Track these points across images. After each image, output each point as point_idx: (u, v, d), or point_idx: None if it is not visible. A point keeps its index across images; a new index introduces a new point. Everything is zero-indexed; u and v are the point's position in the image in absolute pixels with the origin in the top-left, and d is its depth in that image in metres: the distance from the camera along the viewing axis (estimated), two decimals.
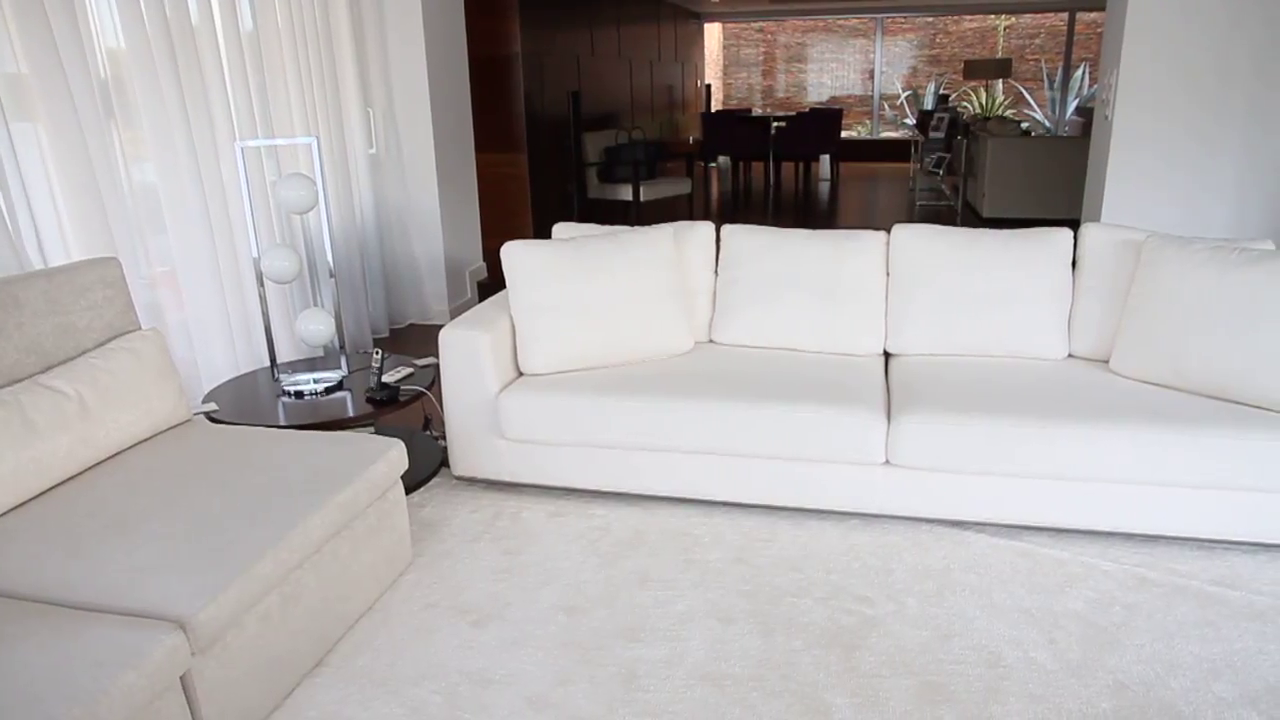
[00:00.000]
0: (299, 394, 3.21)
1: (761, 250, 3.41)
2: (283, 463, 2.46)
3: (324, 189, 3.35)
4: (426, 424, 3.77)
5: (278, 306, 4.31)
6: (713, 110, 13.55)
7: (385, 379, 3.27)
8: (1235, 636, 2.36)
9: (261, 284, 3.42)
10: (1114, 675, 2.22)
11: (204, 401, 3.17)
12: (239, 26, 4.00)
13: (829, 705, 2.13)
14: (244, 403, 3.16)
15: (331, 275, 3.50)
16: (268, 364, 3.83)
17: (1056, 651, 2.32)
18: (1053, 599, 2.55)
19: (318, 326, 3.45)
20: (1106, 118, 4.87)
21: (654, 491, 3.09)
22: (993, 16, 14.74)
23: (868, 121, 15.58)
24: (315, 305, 4.60)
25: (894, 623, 2.45)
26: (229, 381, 3.40)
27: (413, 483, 3.25)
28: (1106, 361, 3.19)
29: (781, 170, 12.47)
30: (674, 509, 3.11)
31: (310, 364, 3.56)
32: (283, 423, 2.97)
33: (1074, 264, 3.27)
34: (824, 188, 11.60)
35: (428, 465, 3.38)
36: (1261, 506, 2.66)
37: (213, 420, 2.98)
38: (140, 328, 2.77)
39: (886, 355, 3.41)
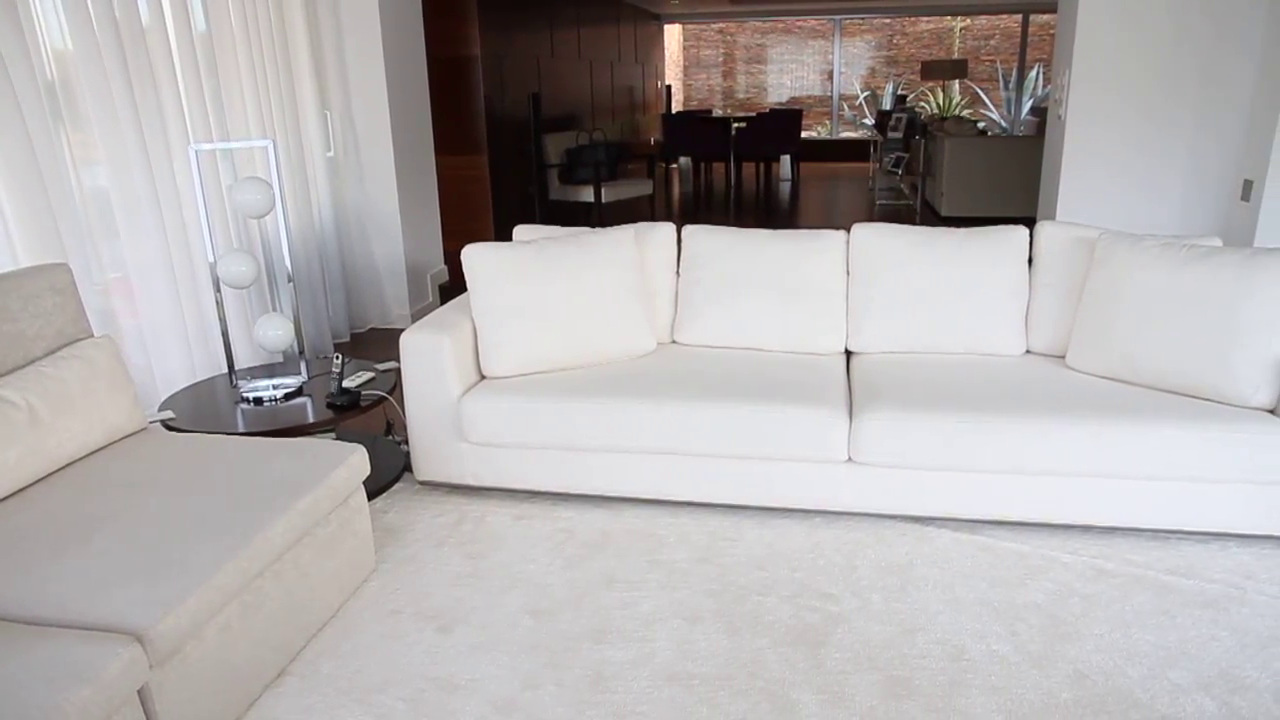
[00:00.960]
0: (258, 400, 3.16)
1: (723, 250, 3.42)
2: (242, 470, 2.43)
3: (281, 192, 3.31)
4: (388, 429, 3.73)
5: (235, 312, 4.25)
6: (673, 111, 13.59)
7: (346, 384, 3.23)
8: (1189, 624, 2.41)
9: (218, 289, 3.37)
10: (1074, 665, 2.26)
11: (160, 409, 3.11)
12: (191, 28, 3.94)
13: (796, 703, 2.14)
14: (201, 410, 3.11)
15: (290, 280, 3.46)
16: (225, 370, 3.78)
17: (1018, 643, 2.35)
18: (1014, 592, 2.58)
19: (276, 332, 3.41)
20: (1060, 117, 4.95)
21: (619, 493, 3.08)
22: (949, 18, 14.93)
23: (827, 122, 15.71)
24: (274, 310, 4.54)
25: (859, 619, 2.47)
26: (186, 389, 3.35)
27: (375, 488, 3.22)
28: (1063, 357, 3.24)
29: (742, 170, 12.54)
30: (639, 510, 3.11)
31: (269, 370, 3.52)
32: (241, 430, 2.92)
33: (1030, 261, 3.32)
34: (784, 188, 11.68)
35: (390, 470, 3.35)
36: (1212, 497, 2.72)
37: (169, 428, 2.93)
38: (92, 335, 2.72)
39: (848, 353, 3.43)
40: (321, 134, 4.93)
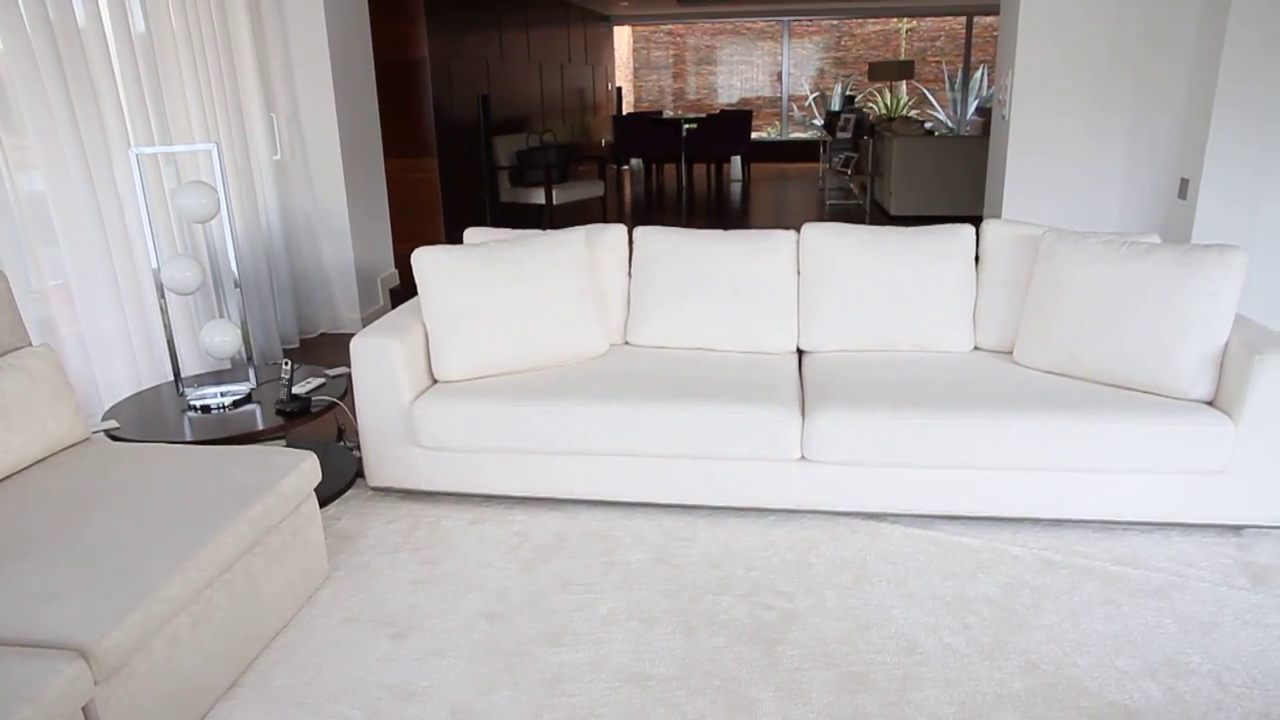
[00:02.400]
0: (205, 408, 3.10)
1: (674, 251, 3.43)
2: (189, 479, 2.38)
3: (226, 197, 3.25)
4: (340, 435, 3.69)
5: (181, 318, 4.16)
6: (624, 113, 13.60)
7: (296, 390, 3.18)
8: (1135, 613, 2.47)
9: (162, 296, 3.30)
10: (1025, 656, 2.30)
11: (104, 419, 3.04)
12: (130, 28, 3.85)
13: (753, 700, 2.15)
14: (147, 419, 3.05)
15: (237, 285, 3.40)
16: (171, 378, 3.70)
17: (970, 636, 2.39)
18: (966, 585, 2.62)
19: (223, 338, 3.35)
20: (1004, 118, 5.04)
21: (574, 495, 3.08)
22: (895, 20, 15.13)
23: (777, 123, 15.83)
24: (220, 316, 4.45)
25: (814, 616, 2.49)
26: (130, 397, 3.27)
27: (327, 495, 3.18)
28: (1010, 353, 3.30)
29: (693, 171, 12.59)
30: (594, 511, 3.11)
31: (217, 377, 3.45)
32: (189, 438, 2.87)
33: (977, 259, 3.38)
34: (735, 188, 11.75)
35: (342, 477, 3.31)
36: (1155, 488, 2.79)
37: (114, 438, 2.86)
38: (31, 344, 2.65)
39: (799, 352, 3.46)
40: (267, 137, 4.85)
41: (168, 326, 3.32)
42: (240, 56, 4.65)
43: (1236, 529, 2.90)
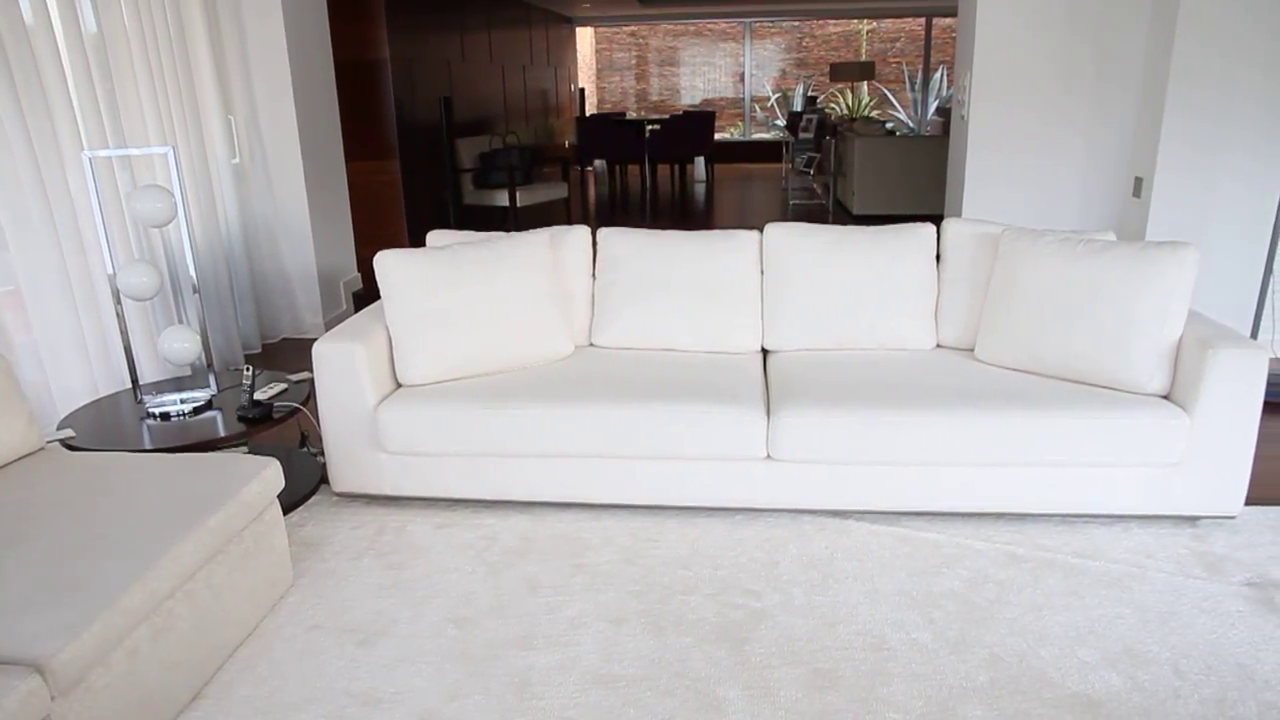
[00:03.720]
0: (165, 416, 3.06)
1: (638, 252, 3.43)
2: (149, 488, 2.34)
3: (183, 200, 3.20)
4: (303, 441, 3.64)
5: (138, 325, 4.09)
6: (587, 114, 13.58)
7: (258, 396, 3.14)
8: (1096, 604, 2.51)
9: (119, 302, 3.24)
10: (990, 649, 2.33)
11: (59, 428, 2.98)
12: (80, 28, 3.77)
13: (722, 699, 2.16)
14: (105, 427, 2.99)
15: (195, 290, 3.34)
16: (129, 385, 3.64)
17: (936, 631, 2.41)
18: (931, 580, 2.65)
19: (182, 344, 3.29)
20: (963, 117, 5.10)
21: (541, 498, 3.07)
22: (855, 21, 15.26)
23: (740, 123, 15.90)
24: (179, 322, 4.39)
25: (781, 614, 2.50)
26: (87, 406, 3.21)
27: (291, 502, 3.14)
28: (972, 350, 3.34)
29: (657, 172, 12.61)
30: (562, 514, 3.10)
31: (177, 384, 3.40)
32: (148, 446, 2.82)
33: (938, 258, 3.42)
34: (699, 189, 11.78)
35: (306, 483, 3.27)
36: (1113, 481, 2.84)
37: (70, 448, 2.81)
38: None
39: (764, 352, 3.48)
40: (226, 139, 4.79)
41: (125, 333, 3.26)
42: (196, 58, 4.58)
43: (1192, 520, 2.96)
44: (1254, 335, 4.08)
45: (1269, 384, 4.00)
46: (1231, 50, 4.22)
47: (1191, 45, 4.21)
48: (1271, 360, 4.56)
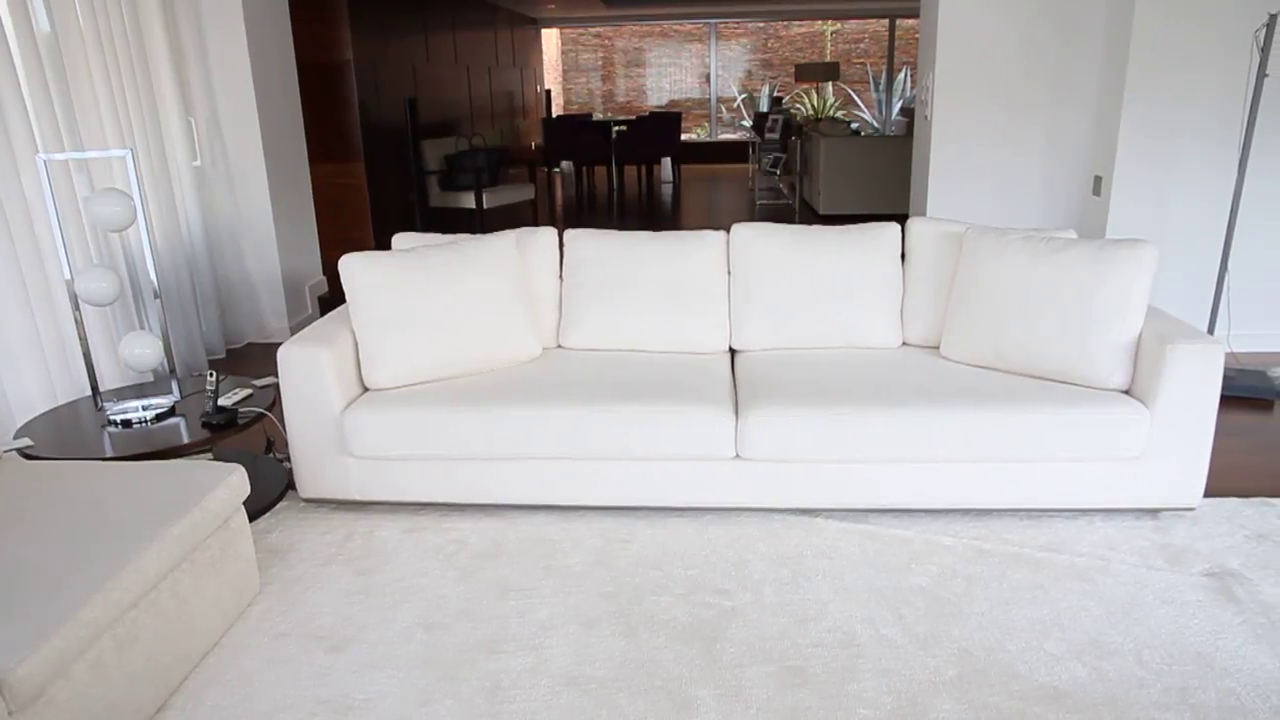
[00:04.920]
0: (126, 423, 3.01)
1: (605, 254, 3.43)
2: (110, 497, 2.30)
3: (143, 204, 3.16)
4: (269, 447, 3.60)
5: (98, 330, 4.03)
6: (553, 115, 13.56)
7: (222, 402, 3.10)
8: (1061, 597, 2.54)
9: (77, 308, 3.19)
10: (958, 644, 2.35)
11: (15, 437, 2.92)
12: (33, 28, 3.70)
13: (694, 699, 2.16)
14: (64, 436, 2.94)
15: (157, 295, 3.30)
16: (89, 393, 3.58)
17: (905, 626, 2.43)
18: (900, 577, 2.67)
19: (144, 350, 3.25)
20: (926, 117, 5.16)
21: (511, 500, 3.06)
22: (820, 22, 15.36)
23: (706, 124, 15.95)
24: (141, 328, 4.32)
25: (752, 612, 2.51)
26: (45, 414, 3.15)
27: (257, 508, 3.10)
28: (937, 348, 3.38)
29: (624, 174, 12.61)
30: (532, 516, 3.09)
31: (139, 390, 3.35)
32: (109, 454, 2.78)
33: (903, 256, 3.45)
34: (666, 190, 11.80)
35: (273, 489, 3.23)
36: (1077, 475, 2.88)
37: (27, 457, 2.76)
38: None
39: (732, 352, 3.49)
40: (186, 142, 4.72)
41: (84, 339, 3.21)
42: (155, 59, 4.51)
43: (1154, 512, 3.01)
44: (1210, 331, 4.16)
45: (1225, 379, 4.09)
46: (1185, 52, 4.30)
47: (1148, 48, 4.29)
48: (1227, 355, 4.66)
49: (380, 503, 3.17)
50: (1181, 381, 2.77)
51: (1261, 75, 3.81)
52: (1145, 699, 2.12)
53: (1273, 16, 3.76)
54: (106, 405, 3.16)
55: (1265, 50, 3.79)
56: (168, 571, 2.16)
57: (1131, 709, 2.09)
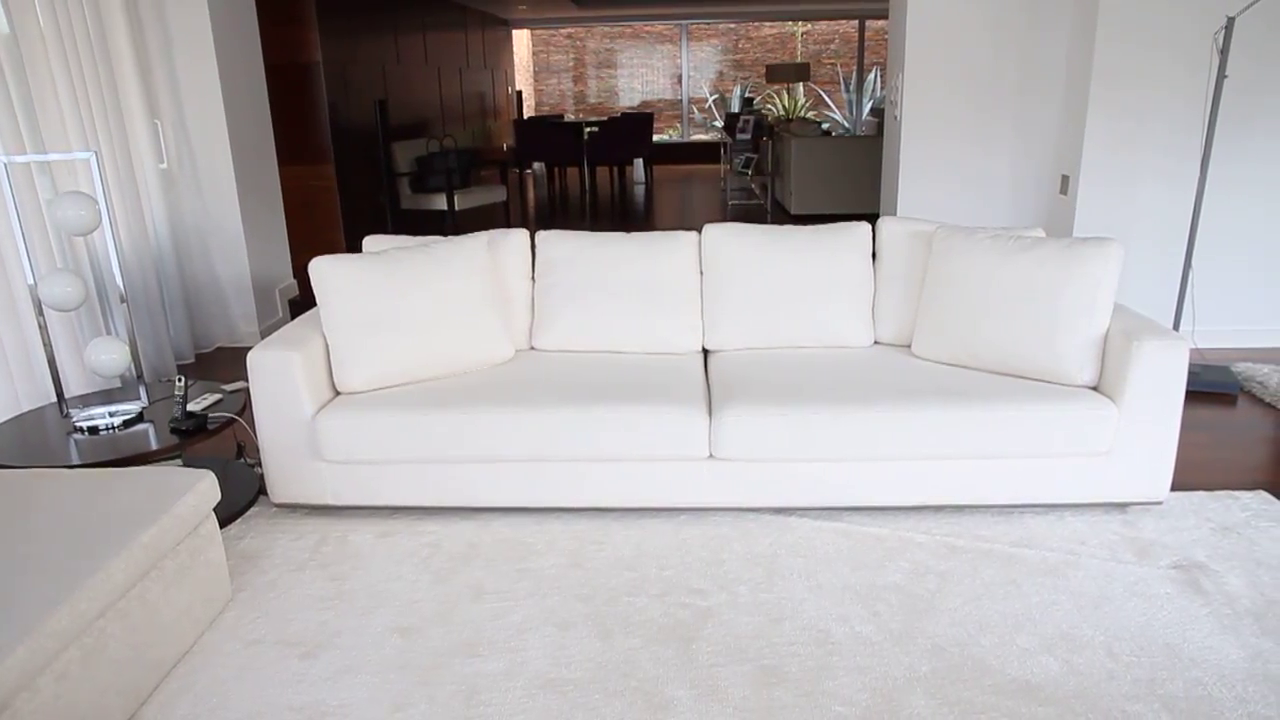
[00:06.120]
0: (93, 430, 2.97)
1: (577, 255, 3.43)
2: (76, 505, 2.27)
3: (108, 207, 3.11)
4: (240, 452, 3.57)
5: (63, 336, 3.97)
6: (525, 116, 13.53)
7: (191, 407, 3.07)
8: (1033, 591, 2.57)
9: (41, 313, 3.14)
10: (931, 639, 2.37)
11: None
12: None
13: (670, 699, 2.16)
14: (28, 443, 2.89)
15: (123, 300, 3.26)
16: (54, 399, 3.52)
17: (879, 623, 2.44)
18: (874, 574, 2.69)
19: (110, 356, 3.20)
20: (896, 118, 5.19)
21: (485, 503, 3.04)
22: (790, 23, 15.42)
23: (678, 125, 15.97)
24: (107, 333, 4.27)
25: (727, 612, 2.51)
26: (8, 421, 3.10)
27: (228, 514, 3.07)
28: (909, 346, 3.40)
29: (596, 175, 12.59)
30: (506, 519, 3.08)
31: (106, 396, 3.30)
32: (75, 462, 2.74)
33: (874, 256, 3.47)
34: (639, 190, 11.80)
35: (244, 495, 3.20)
36: (1047, 471, 2.91)
37: None
38: None
39: (705, 352, 3.50)
40: (152, 144, 4.66)
41: (48, 345, 3.16)
42: (119, 60, 4.45)
43: (1122, 507, 3.05)
44: (1176, 327, 4.22)
45: (1190, 374, 4.15)
46: (1149, 56, 4.36)
47: (1113, 49, 4.35)
48: (1192, 351, 4.73)
49: (353, 507, 3.15)
50: (1148, 377, 2.80)
51: (1221, 77, 3.87)
52: (1115, 690, 2.15)
53: (1230, 20, 3.82)
54: (72, 412, 3.11)
55: (1224, 53, 3.85)
56: (136, 580, 2.14)
57: (1102, 701, 2.12)
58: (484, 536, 2.96)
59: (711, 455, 2.92)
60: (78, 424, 2.99)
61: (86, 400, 3.27)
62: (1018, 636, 2.37)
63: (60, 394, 3.19)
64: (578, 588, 2.65)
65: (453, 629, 2.46)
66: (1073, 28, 4.66)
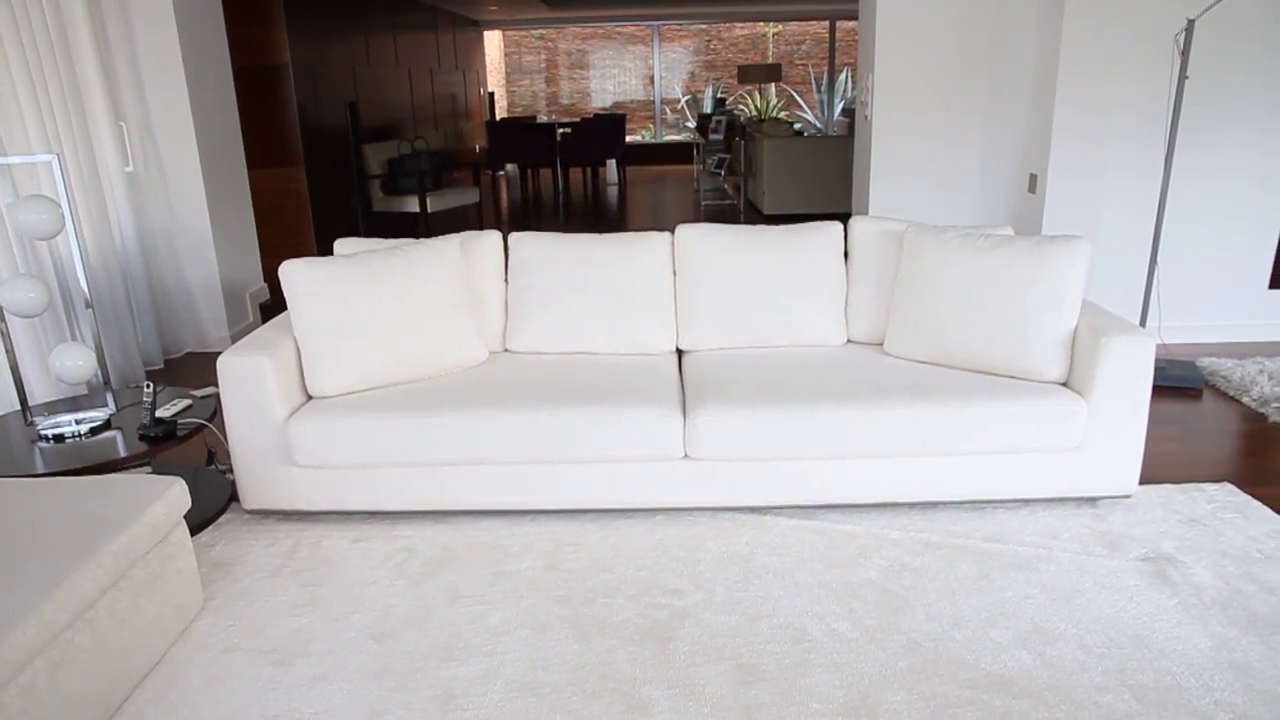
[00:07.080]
0: (59, 438, 2.92)
1: (550, 256, 3.42)
2: (42, 514, 2.23)
3: (72, 211, 3.07)
4: (210, 458, 3.53)
5: (27, 343, 3.90)
6: (497, 118, 13.48)
7: (160, 413, 3.03)
8: (1006, 585, 2.59)
9: (3, 319, 3.09)
10: (907, 635, 2.38)
11: None
12: None
13: (648, 699, 2.16)
14: None
15: (88, 305, 3.21)
16: (18, 407, 3.47)
17: (855, 620, 2.46)
18: (849, 571, 2.70)
19: (76, 362, 3.15)
20: (867, 118, 5.22)
21: (459, 506, 3.03)
22: (761, 24, 15.48)
23: (651, 126, 15.98)
24: (72, 339, 4.20)
25: (704, 611, 2.52)
26: None
27: (199, 521, 3.03)
28: (881, 344, 3.42)
29: (569, 176, 12.58)
30: (482, 522, 3.07)
31: (72, 404, 3.25)
32: (40, 470, 2.69)
33: (846, 255, 3.49)
34: (612, 191, 11.80)
35: (215, 501, 3.16)
36: (1019, 466, 2.94)
37: None
38: None
39: (679, 352, 3.50)
40: (117, 147, 4.60)
41: (10, 352, 3.11)
42: (81, 61, 4.39)
43: (1092, 501, 3.08)
44: (1143, 323, 4.28)
45: (1156, 369, 4.21)
46: (1112, 56, 4.42)
47: (1079, 49, 4.39)
48: (1158, 346, 4.79)
49: (326, 512, 3.13)
50: (1116, 372, 2.84)
51: (1182, 78, 3.93)
52: (1088, 682, 2.17)
53: (1191, 22, 3.88)
54: (37, 420, 3.06)
55: (1185, 54, 3.91)
56: (105, 589, 2.11)
57: (1075, 692, 2.14)
58: (459, 540, 2.95)
59: (686, 455, 2.93)
60: (43, 432, 2.94)
61: (52, 408, 3.22)
62: (991, 630, 2.39)
63: (24, 402, 3.14)
64: (554, 589, 2.65)
65: (428, 633, 2.45)
66: (1039, 32, 4.71)
